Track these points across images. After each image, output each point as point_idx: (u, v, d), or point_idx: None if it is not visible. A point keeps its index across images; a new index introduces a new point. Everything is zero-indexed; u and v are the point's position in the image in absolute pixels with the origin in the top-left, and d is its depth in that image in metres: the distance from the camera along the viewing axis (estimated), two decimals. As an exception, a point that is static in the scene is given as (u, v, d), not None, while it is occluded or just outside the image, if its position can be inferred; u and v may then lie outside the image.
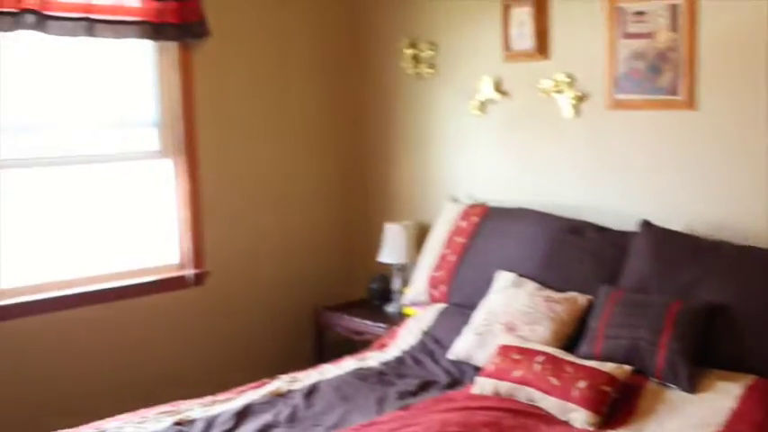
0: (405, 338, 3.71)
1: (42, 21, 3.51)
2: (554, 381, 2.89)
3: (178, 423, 2.94)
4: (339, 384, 3.29)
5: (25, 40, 3.61)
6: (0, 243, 3.69)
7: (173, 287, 4.17)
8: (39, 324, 3.74)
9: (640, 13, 3.51)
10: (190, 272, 4.21)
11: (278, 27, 4.48)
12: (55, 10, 3.55)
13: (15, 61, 3.73)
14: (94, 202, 4.03)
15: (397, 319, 4.11)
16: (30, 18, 3.47)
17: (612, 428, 2.74)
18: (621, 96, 3.62)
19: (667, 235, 3.33)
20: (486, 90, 4.10)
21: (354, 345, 4.19)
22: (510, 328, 3.32)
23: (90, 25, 3.66)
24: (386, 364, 3.51)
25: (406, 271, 4.29)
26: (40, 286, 3.80)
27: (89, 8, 3.66)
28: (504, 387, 2.98)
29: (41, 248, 3.87)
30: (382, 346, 3.76)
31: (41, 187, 3.86)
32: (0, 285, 3.67)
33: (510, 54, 4.00)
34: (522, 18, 3.91)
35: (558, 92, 3.82)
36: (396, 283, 4.35)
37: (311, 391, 3.22)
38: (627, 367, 2.94)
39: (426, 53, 4.37)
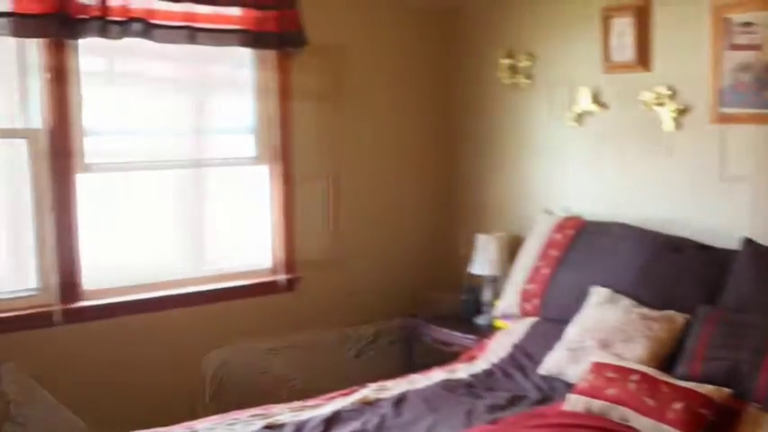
0: (494, 351, 3.68)
1: (148, 29, 3.62)
2: (649, 401, 2.81)
3: (268, 427, 2.97)
4: (428, 395, 3.28)
5: (133, 47, 3.72)
6: (102, 244, 3.81)
7: (265, 292, 4.23)
8: (135, 324, 3.83)
9: (748, 24, 3.40)
10: (282, 277, 4.26)
11: (376, 38, 4.51)
12: (160, 19, 3.66)
13: (123, 68, 3.87)
14: (192, 206, 4.12)
15: (487, 331, 4.07)
16: (137, 26, 3.59)
17: (709, 452, 2.66)
18: (726, 110, 3.50)
19: (771, 253, 3.22)
20: (584, 102, 4.03)
21: (443, 355, 4.16)
22: (604, 345, 3.25)
23: (192, 33, 3.76)
24: (475, 376, 3.49)
25: (497, 283, 4.25)
26: (137, 287, 3.90)
27: (192, 17, 3.75)
28: (597, 405, 2.92)
29: (141, 250, 3.98)
30: (471, 358, 3.73)
31: (142, 190, 3.98)
32: (100, 285, 3.78)
33: (610, 65, 3.93)
34: (623, 28, 3.84)
35: (659, 104, 3.73)
36: (486, 295, 4.31)
37: (400, 401, 3.22)
38: (726, 390, 2.84)
39: (524, 63, 4.33)
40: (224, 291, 4.12)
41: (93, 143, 3.73)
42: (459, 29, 4.68)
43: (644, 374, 2.94)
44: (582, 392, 3.00)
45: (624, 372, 2.98)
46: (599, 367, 3.06)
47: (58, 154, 3.60)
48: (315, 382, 3.27)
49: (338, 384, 3.39)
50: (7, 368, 3.03)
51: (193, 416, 3.19)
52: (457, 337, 4.19)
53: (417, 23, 4.65)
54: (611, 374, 2.99)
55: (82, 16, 3.49)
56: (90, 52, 3.68)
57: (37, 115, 3.60)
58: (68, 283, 3.66)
